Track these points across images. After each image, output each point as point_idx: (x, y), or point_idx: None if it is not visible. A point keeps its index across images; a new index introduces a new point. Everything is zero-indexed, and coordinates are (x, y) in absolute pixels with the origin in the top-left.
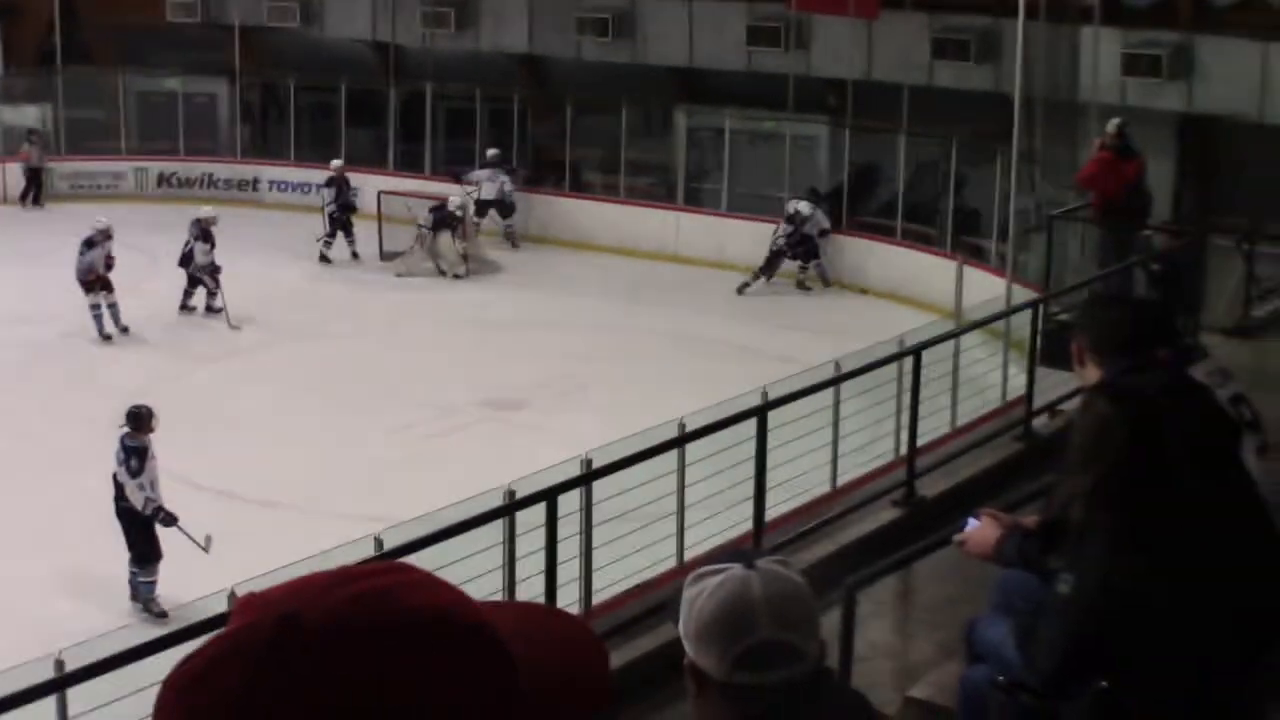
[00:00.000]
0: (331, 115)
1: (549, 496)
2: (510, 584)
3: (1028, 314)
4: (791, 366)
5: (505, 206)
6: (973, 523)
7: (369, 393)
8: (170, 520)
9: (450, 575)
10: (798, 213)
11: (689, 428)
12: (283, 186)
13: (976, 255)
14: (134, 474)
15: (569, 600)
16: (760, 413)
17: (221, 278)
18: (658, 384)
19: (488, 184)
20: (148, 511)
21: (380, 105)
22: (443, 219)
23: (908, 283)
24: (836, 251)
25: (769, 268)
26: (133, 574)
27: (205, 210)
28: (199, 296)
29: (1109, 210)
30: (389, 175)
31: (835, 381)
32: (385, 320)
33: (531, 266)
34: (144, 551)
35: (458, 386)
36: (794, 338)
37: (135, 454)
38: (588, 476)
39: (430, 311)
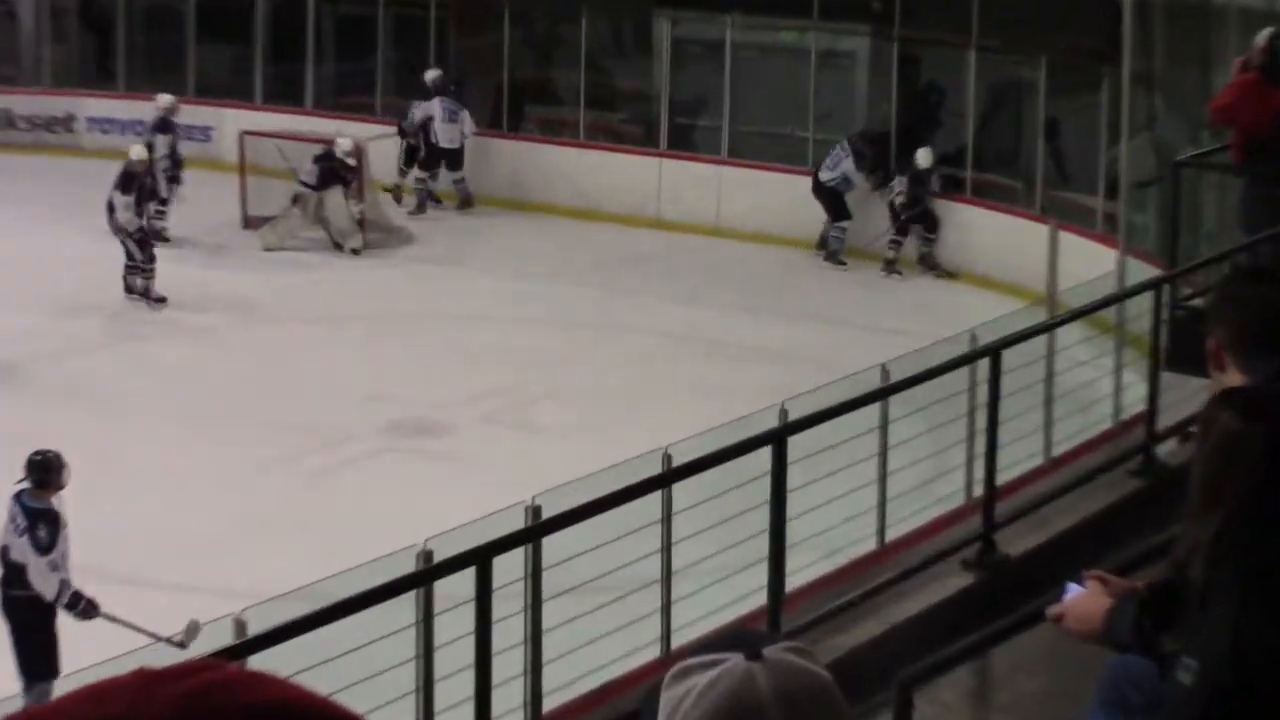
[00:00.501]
0: (176, 29)
1: (480, 559)
2: (425, 683)
3: (1147, 298)
4: (822, 374)
5: (460, 155)
6: (1074, 589)
7: (227, 416)
8: (92, 610)
9: (341, 671)
10: (914, 164)
11: (677, 460)
12: (108, 126)
13: (1076, 217)
14: (43, 548)
15: (509, 707)
16: (778, 439)
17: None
18: (635, 400)
19: (445, 125)
20: (63, 601)
21: (244, 15)
22: (330, 171)
23: (982, 256)
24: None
25: (902, 230)
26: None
27: (134, 149)
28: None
29: (1255, 153)
30: (255, 110)
31: (883, 394)
32: (251, 312)
33: (457, 236)
34: (37, 663)
35: (352, 404)
36: (826, 334)
37: (43, 520)
38: (535, 530)
39: (314, 299)
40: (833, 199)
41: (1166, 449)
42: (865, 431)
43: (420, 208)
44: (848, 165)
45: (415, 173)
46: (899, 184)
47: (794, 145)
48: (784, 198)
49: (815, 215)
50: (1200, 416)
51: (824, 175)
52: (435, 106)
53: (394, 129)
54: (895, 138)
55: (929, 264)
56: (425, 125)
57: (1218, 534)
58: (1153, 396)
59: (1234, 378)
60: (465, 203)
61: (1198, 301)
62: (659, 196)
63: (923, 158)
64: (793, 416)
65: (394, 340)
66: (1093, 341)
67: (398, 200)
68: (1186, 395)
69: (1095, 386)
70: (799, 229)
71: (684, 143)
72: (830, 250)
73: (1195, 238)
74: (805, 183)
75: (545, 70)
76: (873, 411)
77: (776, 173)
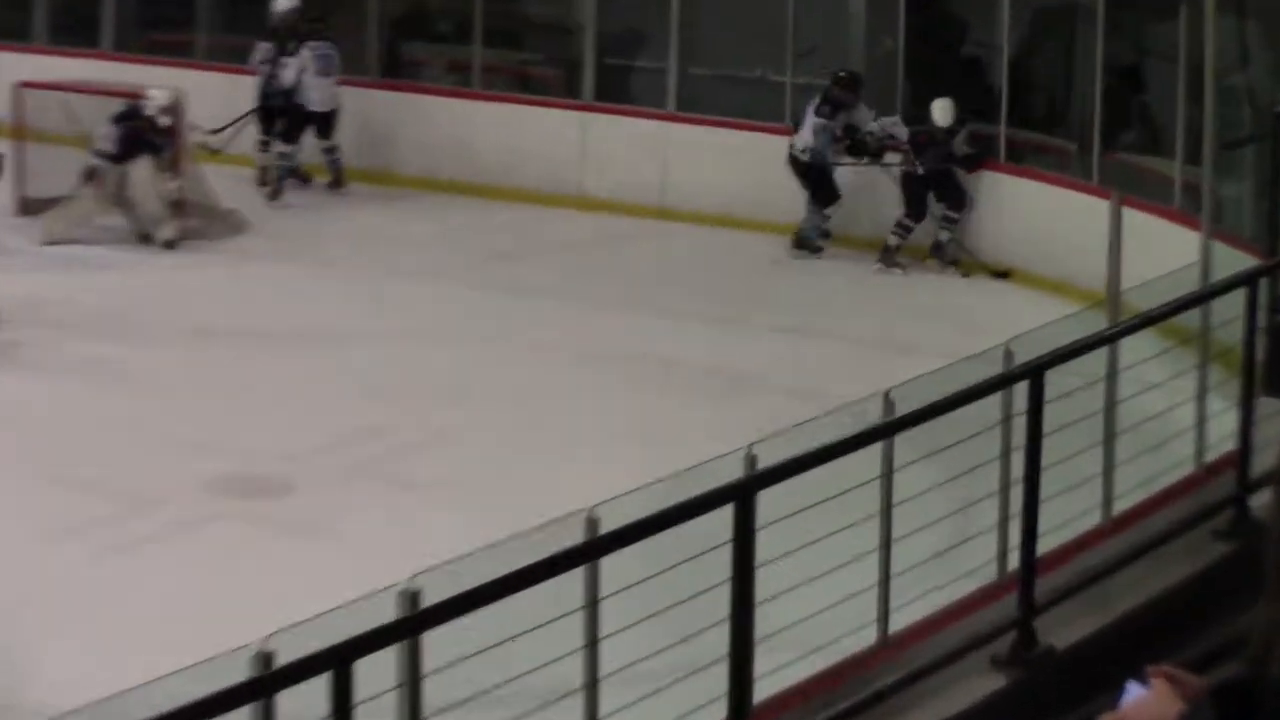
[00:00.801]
0: None
1: (339, 662)
2: None
3: (1240, 299)
4: (805, 405)
5: (334, 119)
6: (1135, 690)
7: None
8: None
9: None
10: (930, 123)
11: (607, 526)
12: None
13: (1146, 190)
14: None
15: None
16: (743, 495)
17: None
18: (549, 445)
19: (319, 81)
20: None
21: None
22: (135, 135)
23: (1020, 243)
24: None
25: (916, 208)
26: None
27: None
28: None
29: None
30: (35, 53)
31: (886, 432)
32: (29, 328)
33: (306, 221)
34: None
35: (168, 454)
36: (810, 351)
37: None
38: (413, 623)
39: (114, 309)
40: (808, 174)
41: (1264, 500)
42: (862, 484)
43: (278, 191)
44: (809, 117)
45: (279, 145)
46: (882, 126)
47: (766, 94)
48: (752, 165)
49: (796, 189)
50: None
51: (798, 144)
52: (306, 56)
53: (256, 89)
54: (903, 83)
55: (947, 255)
56: (298, 80)
57: None
58: (1246, 431)
59: None
60: (338, 180)
61: None
62: (583, 165)
63: (940, 113)
64: (763, 464)
65: (223, 366)
66: (1168, 357)
67: (264, 183)
68: None
69: (1171, 419)
70: (773, 208)
71: (617, 92)
72: (800, 234)
73: None
74: (780, 145)
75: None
76: (873, 456)
77: (742, 131)
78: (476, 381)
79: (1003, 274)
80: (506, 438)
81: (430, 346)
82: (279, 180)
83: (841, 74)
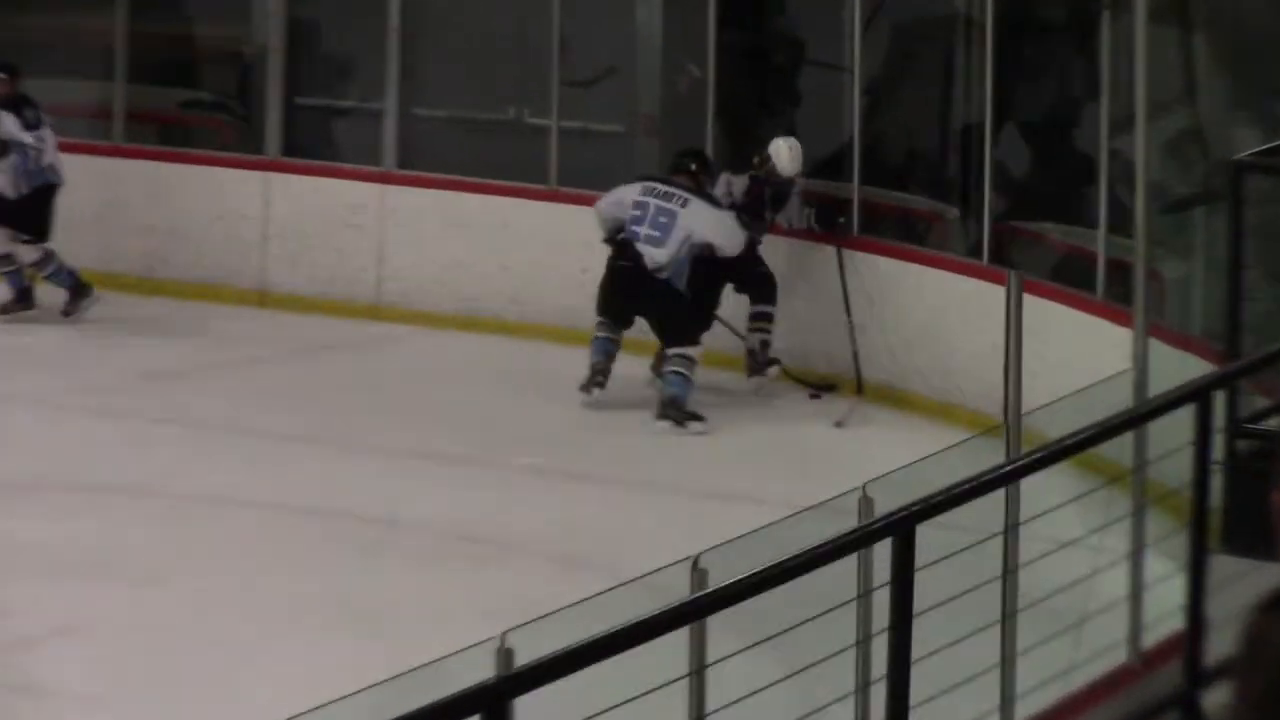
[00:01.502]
0: None
1: None
2: None
3: (1186, 416)
4: (583, 578)
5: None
6: None
7: None
8: None
9: None
10: (768, 167)
11: None
12: None
13: (1057, 271)
14: None
15: None
16: (493, 703)
17: None
18: (228, 633)
19: (56, 156)
20: None
21: None
22: None
23: (884, 346)
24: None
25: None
26: None
27: None
28: None
29: None
30: None
31: (694, 615)
32: None
33: None
34: None
35: None
36: (597, 503)
37: None
38: None
39: None
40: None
41: (1220, 697)
42: (668, 683)
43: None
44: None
45: (33, 252)
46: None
47: (523, 143)
48: (505, 243)
49: (568, 277)
50: (1243, 632)
51: (655, 254)
52: (46, 134)
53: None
54: (713, 127)
55: (757, 364)
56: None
57: None
58: (1197, 603)
59: None
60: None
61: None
62: (268, 246)
63: (786, 158)
64: (521, 660)
65: None
66: (1089, 503)
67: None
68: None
69: (1095, 588)
70: (536, 304)
71: (313, 144)
72: (669, 401)
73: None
74: (547, 213)
75: (51, 14)
76: (680, 645)
77: (490, 196)
78: (122, 548)
79: (827, 388)
80: (166, 625)
81: (55, 500)
82: (83, 290)
83: (686, 159)
